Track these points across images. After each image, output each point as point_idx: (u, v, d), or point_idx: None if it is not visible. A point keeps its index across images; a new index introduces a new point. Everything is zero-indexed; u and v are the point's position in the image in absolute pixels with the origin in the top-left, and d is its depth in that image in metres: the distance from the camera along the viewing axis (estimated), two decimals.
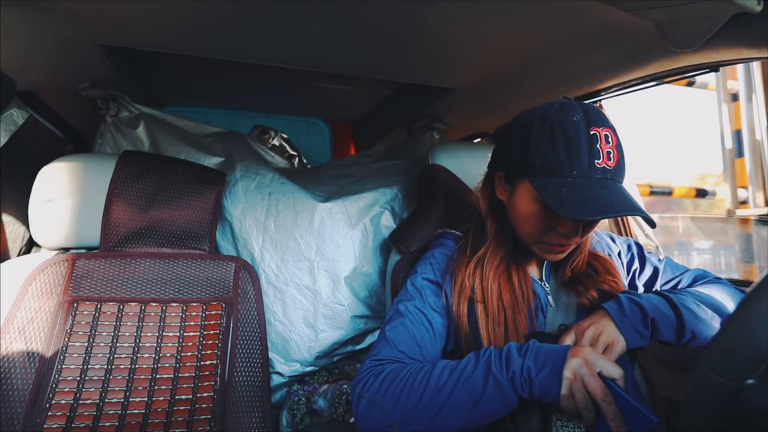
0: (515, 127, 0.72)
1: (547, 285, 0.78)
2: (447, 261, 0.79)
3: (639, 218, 1.23)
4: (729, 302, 0.76)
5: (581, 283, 0.77)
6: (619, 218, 1.27)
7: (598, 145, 0.64)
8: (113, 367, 0.86)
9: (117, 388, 0.84)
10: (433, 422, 0.58)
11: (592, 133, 0.64)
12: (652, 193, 2.72)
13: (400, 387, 0.61)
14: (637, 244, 0.90)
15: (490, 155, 0.79)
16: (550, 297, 0.77)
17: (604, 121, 0.66)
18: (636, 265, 0.87)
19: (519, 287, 0.73)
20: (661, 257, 0.90)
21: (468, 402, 0.58)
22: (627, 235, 1.26)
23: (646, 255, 0.89)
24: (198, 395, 0.88)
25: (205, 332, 0.94)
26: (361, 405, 0.63)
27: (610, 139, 0.65)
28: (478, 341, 0.71)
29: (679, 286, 0.86)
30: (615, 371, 0.57)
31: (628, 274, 0.86)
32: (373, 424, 0.61)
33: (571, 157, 0.64)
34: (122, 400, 0.84)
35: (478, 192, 0.82)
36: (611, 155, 0.65)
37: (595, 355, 0.58)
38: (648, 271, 0.87)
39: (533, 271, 0.80)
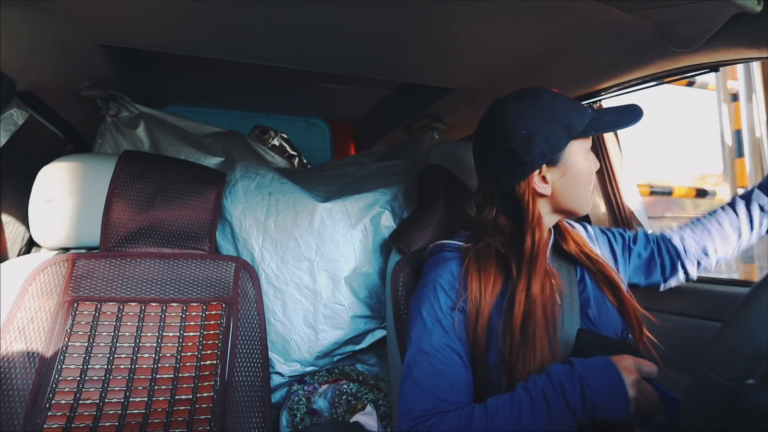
0: (525, 124, 0.75)
1: None
2: (458, 275, 0.74)
3: (639, 219, 1.24)
4: None
5: (588, 257, 0.81)
6: (617, 213, 1.27)
7: (566, 95, 0.78)
8: (113, 367, 0.86)
9: (117, 388, 0.84)
10: None
11: (555, 91, 0.77)
12: (652, 193, 2.72)
13: None
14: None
15: None
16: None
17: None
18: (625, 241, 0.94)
19: (553, 291, 0.72)
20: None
21: None
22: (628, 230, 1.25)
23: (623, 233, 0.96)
24: (198, 395, 0.88)
25: (205, 332, 0.94)
26: None
27: None
28: (494, 350, 0.70)
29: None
30: (651, 369, 0.60)
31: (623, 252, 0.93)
32: None
33: (575, 105, 0.75)
34: (122, 400, 0.84)
35: (486, 216, 0.80)
36: None
37: (637, 363, 0.60)
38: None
39: None
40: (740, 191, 2.35)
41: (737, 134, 2.36)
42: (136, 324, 0.91)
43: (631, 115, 0.77)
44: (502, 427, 0.58)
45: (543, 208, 0.79)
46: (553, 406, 0.57)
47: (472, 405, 0.64)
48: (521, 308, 0.68)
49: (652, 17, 0.76)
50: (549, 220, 0.80)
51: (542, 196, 0.77)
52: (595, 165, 0.79)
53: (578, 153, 0.76)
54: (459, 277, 0.74)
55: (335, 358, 1.21)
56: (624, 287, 0.81)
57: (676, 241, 0.93)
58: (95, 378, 0.84)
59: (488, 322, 0.70)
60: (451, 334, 0.70)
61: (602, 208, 1.28)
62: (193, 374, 0.89)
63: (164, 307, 0.94)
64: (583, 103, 0.87)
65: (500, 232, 0.78)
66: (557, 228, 0.84)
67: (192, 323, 0.94)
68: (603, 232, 0.96)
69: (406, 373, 0.69)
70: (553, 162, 0.75)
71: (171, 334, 0.92)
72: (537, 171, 0.76)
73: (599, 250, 0.90)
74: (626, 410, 0.56)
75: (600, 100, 1.15)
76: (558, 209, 0.79)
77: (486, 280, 0.72)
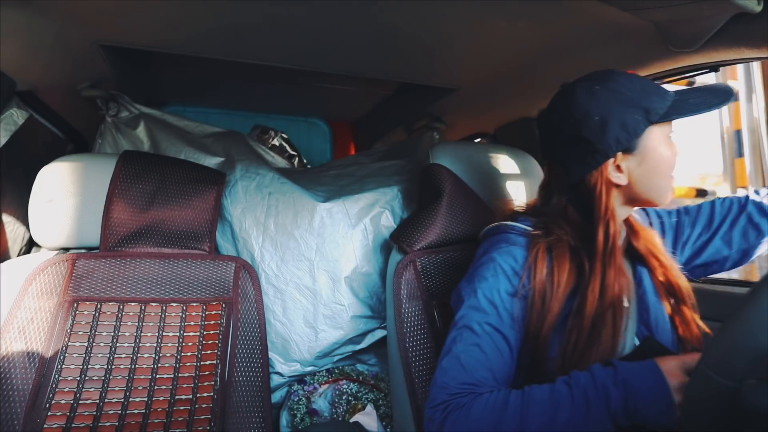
0: (599, 108, 0.68)
1: None
2: (524, 262, 0.69)
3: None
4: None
5: (654, 257, 0.75)
6: None
7: (644, 77, 0.72)
8: (113, 367, 0.86)
9: (117, 388, 0.84)
10: None
11: (632, 73, 0.71)
12: None
13: (492, 421, 0.57)
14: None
15: (490, 155, 0.79)
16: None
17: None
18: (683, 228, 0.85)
19: (626, 288, 0.69)
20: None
21: None
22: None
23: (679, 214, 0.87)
24: (198, 395, 0.88)
25: (205, 332, 0.94)
26: None
27: None
28: (556, 344, 0.67)
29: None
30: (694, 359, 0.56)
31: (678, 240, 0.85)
32: None
33: (655, 87, 0.69)
34: (122, 400, 0.84)
35: (567, 209, 0.74)
36: None
37: (682, 364, 0.56)
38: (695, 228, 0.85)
39: None
40: (740, 191, 2.35)
41: (737, 134, 2.35)
42: (136, 324, 0.91)
43: (720, 95, 0.69)
44: (536, 419, 0.56)
45: (617, 199, 0.72)
46: (592, 407, 0.55)
47: (508, 390, 0.61)
48: (593, 308, 0.65)
49: (652, 17, 0.76)
50: (622, 212, 0.75)
51: (617, 186, 0.70)
52: (678, 151, 0.71)
53: (659, 139, 0.69)
54: (524, 266, 0.69)
55: (335, 358, 1.21)
56: (686, 294, 0.74)
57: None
58: (95, 378, 0.84)
59: (557, 318, 0.66)
60: (505, 320, 0.66)
61: None
62: (193, 374, 0.89)
63: (164, 307, 0.94)
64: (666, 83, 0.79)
65: (570, 225, 0.72)
66: (626, 222, 0.77)
67: (192, 323, 0.94)
68: (659, 216, 0.88)
69: (448, 347, 0.66)
70: (629, 149, 0.69)
71: (171, 334, 0.92)
72: (612, 159, 0.69)
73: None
74: (672, 415, 0.54)
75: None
76: (634, 200, 0.73)
77: (560, 275, 0.67)
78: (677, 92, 0.70)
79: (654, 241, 0.77)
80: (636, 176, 0.70)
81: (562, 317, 0.67)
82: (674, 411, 0.54)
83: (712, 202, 0.86)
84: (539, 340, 0.66)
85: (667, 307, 0.74)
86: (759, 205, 0.81)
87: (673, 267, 0.75)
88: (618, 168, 0.70)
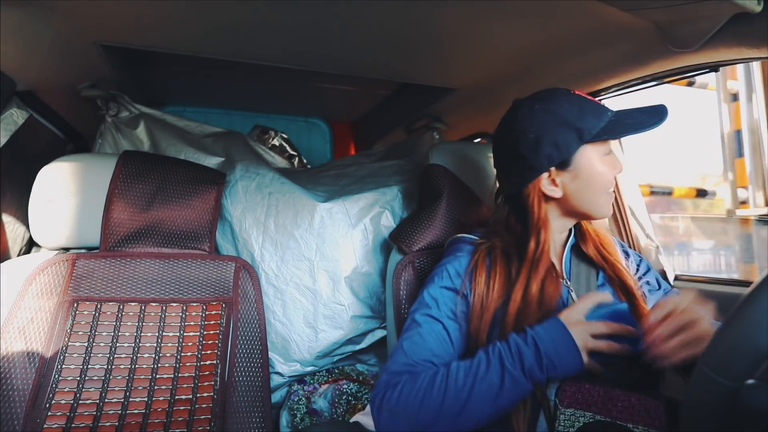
0: (534, 127, 0.75)
1: (569, 281, 0.79)
2: (466, 267, 0.78)
3: (640, 219, 1.24)
4: None
5: (606, 261, 0.81)
6: (619, 218, 1.27)
7: (586, 97, 0.75)
8: (113, 367, 0.86)
9: (117, 388, 0.84)
10: (456, 422, 0.63)
11: (575, 93, 0.75)
12: (653, 193, 2.72)
13: (420, 395, 0.64)
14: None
15: (490, 155, 0.80)
16: (573, 294, 0.78)
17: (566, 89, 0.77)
18: (651, 279, 0.88)
19: (554, 292, 0.73)
20: (662, 257, 0.91)
21: (487, 399, 0.62)
22: (627, 234, 1.25)
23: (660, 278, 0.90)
24: (198, 395, 0.88)
25: (205, 332, 0.94)
26: (382, 418, 0.66)
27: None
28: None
29: None
30: (596, 298, 0.67)
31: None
32: None
33: (592, 106, 0.74)
34: (122, 400, 0.84)
35: (500, 212, 0.83)
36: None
37: (579, 309, 0.66)
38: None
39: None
40: (740, 192, 2.36)
41: (737, 134, 2.36)
42: (136, 324, 0.91)
43: (655, 115, 0.73)
44: (459, 385, 0.63)
45: (554, 210, 0.79)
46: (508, 367, 0.62)
47: (438, 368, 0.67)
48: (515, 307, 0.71)
49: (652, 17, 0.76)
50: (562, 223, 0.81)
51: (551, 199, 0.77)
52: (615, 169, 0.76)
53: (593, 157, 0.75)
54: (467, 270, 0.77)
55: (335, 358, 1.21)
56: (638, 293, 0.79)
57: None
58: (95, 378, 0.84)
59: (492, 317, 0.73)
60: (444, 312, 0.74)
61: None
62: (193, 374, 0.89)
63: (164, 307, 0.94)
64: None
65: (510, 232, 0.80)
66: (578, 229, 0.84)
67: (192, 323, 0.94)
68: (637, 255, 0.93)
69: (399, 341, 0.74)
70: (563, 165, 0.75)
71: (171, 334, 0.92)
72: (546, 174, 0.76)
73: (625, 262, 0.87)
74: (579, 362, 0.63)
75: (600, 100, 1.11)
76: (571, 212, 0.79)
77: (494, 279, 0.74)
78: (615, 113, 0.75)
79: (603, 244, 0.83)
80: (570, 190, 0.76)
81: (498, 317, 0.73)
82: (581, 359, 0.63)
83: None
84: (479, 336, 0.72)
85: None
86: None
87: (620, 266, 0.81)
88: (553, 182, 0.76)
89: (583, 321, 0.65)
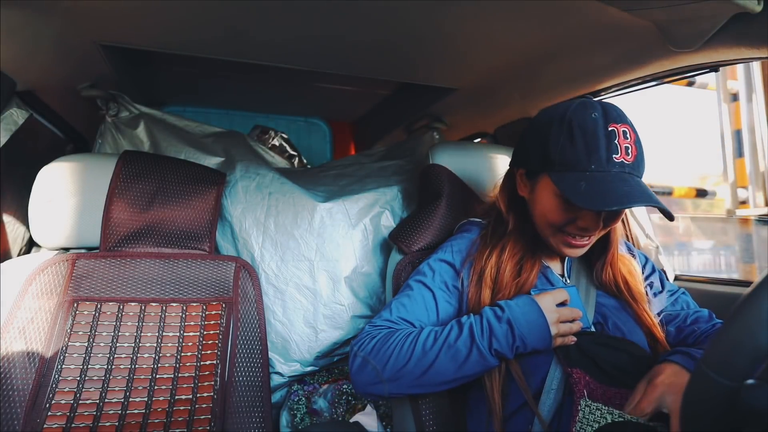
0: (535, 126, 0.75)
1: (568, 280, 0.80)
2: (468, 246, 0.82)
3: (639, 219, 1.24)
4: None
5: (618, 286, 0.80)
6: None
7: (616, 141, 0.66)
8: (113, 367, 0.86)
9: (117, 388, 0.84)
10: (419, 381, 0.67)
11: (610, 129, 0.67)
12: None
13: (390, 349, 0.69)
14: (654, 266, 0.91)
15: (490, 155, 0.80)
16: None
17: (622, 118, 0.69)
18: (655, 282, 0.88)
19: (527, 280, 0.76)
20: (662, 257, 0.91)
21: (452, 366, 0.66)
22: (627, 234, 1.25)
23: (665, 281, 0.90)
24: (198, 395, 0.88)
25: (205, 332, 0.94)
26: (355, 363, 0.71)
27: (628, 135, 0.68)
28: None
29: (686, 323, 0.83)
30: (565, 296, 0.72)
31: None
32: (365, 380, 0.70)
33: (589, 152, 0.66)
34: (122, 400, 0.84)
35: (497, 188, 0.86)
36: (629, 150, 0.67)
37: (552, 298, 0.70)
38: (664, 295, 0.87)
39: (555, 266, 0.82)
40: (740, 192, 2.36)
41: (737, 134, 2.35)
42: (136, 324, 0.91)
43: (599, 204, 0.64)
44: (428, 348, 0.67)
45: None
46: (476, 340, 0.66)
47: (417, 328, 0.73)
48: (490, 279, 0.76)
49: (652, 17, 0.76)
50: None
51: (522, 195, 0.79)
52: (570, 216, 0.70)
53: (548, 189, 0.72)
54: (469, 244, 0.82)
55: (335, 358, 1.21)
56: (637, 295, 0.80)
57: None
58: (95, 378, 0.84)
59: (491, 291, 0.77)
60: (437, 282, 0.78)
61: None
62: (193, 374, 0.89)
63: (164, 307, 0.94)
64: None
65: (514, 221, 0.82)
66: (600, 247, 0.80)
67: (192, 323, 0.94)
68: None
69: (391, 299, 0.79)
70: (528, 175, 0.77)
71: (171, 334, 0.92)
72: (522, 171, 0.78)
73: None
74: (548, 342, 0.67)
75: (600, 100, 1.07)
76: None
77: (493, 258, 0.78)
78: (587, 172, 0.66)
79: (628, 279, 0.81)
80: (530, 208, 0.78)
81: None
82: (550, 339, 0.67)
83: (683, 293, 0.88)
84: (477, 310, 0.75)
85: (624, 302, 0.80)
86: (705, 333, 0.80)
87: (615, 264, 0.81)
88: (522, 182, 0.78)
89: (555, 308, 0.69)
